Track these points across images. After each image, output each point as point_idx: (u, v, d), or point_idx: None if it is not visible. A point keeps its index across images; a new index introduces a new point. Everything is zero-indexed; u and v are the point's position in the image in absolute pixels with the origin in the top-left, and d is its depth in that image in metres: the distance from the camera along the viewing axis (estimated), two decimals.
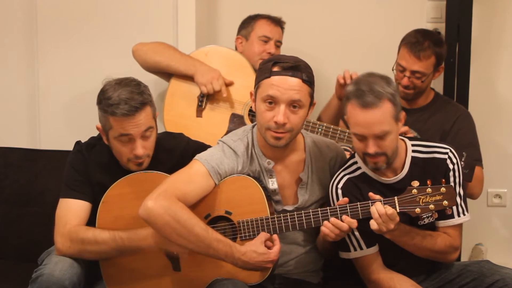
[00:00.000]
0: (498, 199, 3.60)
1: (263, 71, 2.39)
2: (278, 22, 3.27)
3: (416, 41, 3.03)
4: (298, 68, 2.35)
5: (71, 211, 2.49)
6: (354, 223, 2.32)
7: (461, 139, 3.02)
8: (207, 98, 3.10)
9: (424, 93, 3.14)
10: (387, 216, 2.27)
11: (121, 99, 2.42)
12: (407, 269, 2.48)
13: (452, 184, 2.41)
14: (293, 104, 2.35)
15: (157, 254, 2.46)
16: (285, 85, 2.33)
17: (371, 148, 2.32)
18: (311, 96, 2.40)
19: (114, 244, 2.41)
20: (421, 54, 3.01)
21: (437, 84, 3.42)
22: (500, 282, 2.32)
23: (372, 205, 2.30)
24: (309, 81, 2.37)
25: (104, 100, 2.45)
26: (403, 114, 2.40)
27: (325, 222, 2.34)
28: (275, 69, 2.36)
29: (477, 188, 3.03)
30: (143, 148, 2.48)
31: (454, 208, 2.41)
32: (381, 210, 2.26)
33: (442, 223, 2.43)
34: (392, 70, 3.11)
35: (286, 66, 2.35)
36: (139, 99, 2.44)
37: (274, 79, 2.34)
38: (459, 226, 2.46)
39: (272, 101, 2.36)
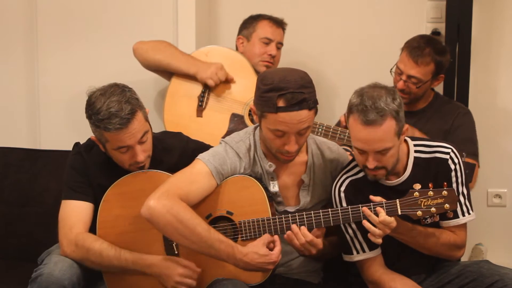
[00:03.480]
0: (498, 199, 3.60)
1: (267, 102, 2.32)
2: (280, 24, 3.26)
3: (418, 46, 3.01)
4: (304, 100, 2.30)
5: (74, 213, 2.49)
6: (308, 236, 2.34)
7: (459, 135, 3.02)
8: (207, 98, 3.10)
9: (422, 98, 3.12)
10: (381, 224, 2.28)
11: (111, 113, 2.38)
12: (407, 267, 2.48)
13: (455, 184, 2.41)
14: (302, 132, 2.36)
15: (158, 253, 2.46)
16: (294, 120, 2.30)
17: (371, 163, 2.32)
18: (316, 112, 2.39)
19: (117, 263, 2.42)
20: (420, 59, 2.99)
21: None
22: (499, 282, 2.31)
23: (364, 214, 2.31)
24: (314, 104, 2.35)
25: (94, 116, 2.41)
26: (406, 127, 2.37)
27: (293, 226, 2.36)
28: (281, 104, 2.30)
29: (471, 183, 3.02)
30: (143, 152, 2.48)
31: (458, 207, 2.40)
32: (374, 219, 2.27)
33: (446, 223, 2.44)
34: (390, 72, 3.10)
35: (292, 101, 2.28)
36: (128, 109, 2.40)
37: (281, 116, 2.30)
38: (464, 225, 2.46)
39: (281, 133, 2.35)
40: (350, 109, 2.32)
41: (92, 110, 2.43)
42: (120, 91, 2.45)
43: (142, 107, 2.50)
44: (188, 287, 2.37)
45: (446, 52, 3.08)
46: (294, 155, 2.42)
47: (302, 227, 2.35)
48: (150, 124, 2.55)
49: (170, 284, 2.38)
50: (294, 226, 2.35)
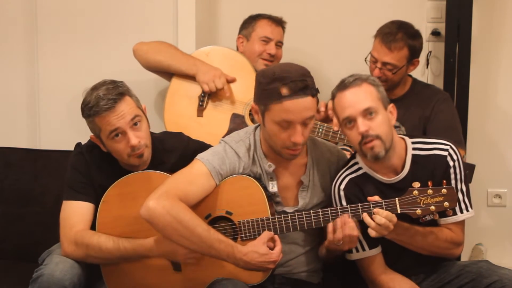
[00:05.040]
0: (498, 199, 3.60)
1: (270, 93, 2.31)
2: (279, 23, 3.27)
3: (389, 31, 3.00)
4: (307, 86, 2.31)
5: (76, 213, 2.49)
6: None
7: (440, 123, 3.00)
8: (208, 98, 3.10)
9: (399, 84, 3.11)
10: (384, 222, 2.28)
11: (98, 98, 2.43)
12: (406, 268, 2.49)
13: (453, 181, 2.42)
14: (306, 121, 2.35)
15: None
16: (299, 107, 2.30)
17: (361, 127, 2.33)
18: (317, 102, 2.40)
19: (118, 253, 2.42)
20: (393, 45, 2.98)
21: (438, 84, 3.43)
22: (498, 283, 2.31)
23: (366, 211, 2.31)
24: (316, 92, 2.36)
25: (85, 107, 2.47)
26: (392, 106, 2.42)
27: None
28: (285, 92, 2.29)
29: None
30: (137, 138, 2.47)
31: (457, 204, 2.41)
32: (379, 220, 2.27)
33: (444, 220, 2.43)
34: (365, 61, 3.08)
35: (296, 88, 2.29)
36: (115, 91, 2.45)
37: (286, 104, 2.29)
38: (462, 222, 2.46)
39: (286, 124, 2.34)
40: (333, 95, 2.43)
41: (84, 103, 2.48)
42: (110, 82, 2.51)
43: (133, 95, 2.53)
44: (197, 253, 2.38)
45: (418, 35, 3.06)
46: (300, 149, 2.40)
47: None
48: (146, 117, 2.56)
49: (179, 258, 2.40)
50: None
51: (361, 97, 2.34)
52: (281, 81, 2.30)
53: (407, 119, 2.99)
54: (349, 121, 2.36)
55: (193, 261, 2.40)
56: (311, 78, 2.36)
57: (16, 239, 3.14)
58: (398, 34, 2.99)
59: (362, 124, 2.33)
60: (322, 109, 3.00)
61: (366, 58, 3.09)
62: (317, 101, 2.39)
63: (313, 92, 2.33)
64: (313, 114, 2.36)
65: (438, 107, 3.06)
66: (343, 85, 2.38)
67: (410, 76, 3.19)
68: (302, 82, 2.30)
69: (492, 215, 3.60)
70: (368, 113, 2.33)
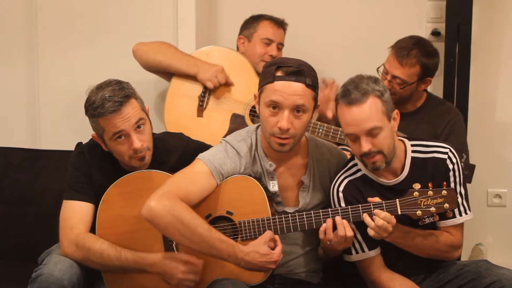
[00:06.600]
0: (498, 199, 3.60)
1: (266, 75, 2.38)
2: (281, 24, 3.27)
3: (405, 46, 2.96)
4: (301, 73, 2.34)
5: (76, 214, 2.49)
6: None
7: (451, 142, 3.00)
8: (208, 98, 3.10)
9: (411, 99, 3.07)
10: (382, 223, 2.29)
11: (104, 99, 2.43)
12: (406, 269, 2.49)
13: (453, 183, 2.42)
14: (297, 109, 2.35)
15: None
16: (289, 90, 2.33)
17: (365, 146, 2.31)
18: (315, 99, 2.40)
19: (118, 262, 2.41)
20: (404, 60, 2.94)
21: (437, 84, 3.43)
22: (497, 283, 2.31)
23: (366, 212, 2.32)
24: (313, 85, 2.37)
25: (90, 106, 2.46)
26: (396, 112, 2.40)
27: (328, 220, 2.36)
28: (278, 73, 2.35)
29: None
30: (140, 141, 2.48)
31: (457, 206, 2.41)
32: (377, 221, 2.29)
33: (443, 223, 2.44)
34: (377, 71, 3.06)
35: (289, 71, 2.34)
36: (121, 94, 2.44)
37: (277, 84, 2.34)
38: (461, 225, 2.46)
39: (275, 106, 2.35)
40: (336, 100, 2.38)
41: (88, 102, 2.47)
42: (115, 82, 2.50)
43: (139, 97, 2.53)
44: (192, 282, 2.38)
45: (434, 55, 3.01)
46: (288, 141, 2.39)
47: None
48: (150, 120, 2.56)
49: (173, 282, 2.38)
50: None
51: (365, 116, 2.30)
52: (278, 65, 2.37)
53: (419, 133, 2.95)
54: (352, 137, 2.35)
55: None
56: (312, 72, 2.39)
57: (16, 239, 3.13)
58: (413, 50, 2.95)
59: (366, 144, 2.31)
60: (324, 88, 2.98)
61: (378, 68, 3.06)
62: (314, 97, 2.39)
63: (308, 82, 2.34)
64: (305, 104, 2.35)
65: (450, 127, 3.02)
66: (348, 99, 2.31)
67: (426, 90, 3.15)
68: (298, 69, 2.34)
69: (492, 215, 3.60)
70: (372, 132, 2.31)
